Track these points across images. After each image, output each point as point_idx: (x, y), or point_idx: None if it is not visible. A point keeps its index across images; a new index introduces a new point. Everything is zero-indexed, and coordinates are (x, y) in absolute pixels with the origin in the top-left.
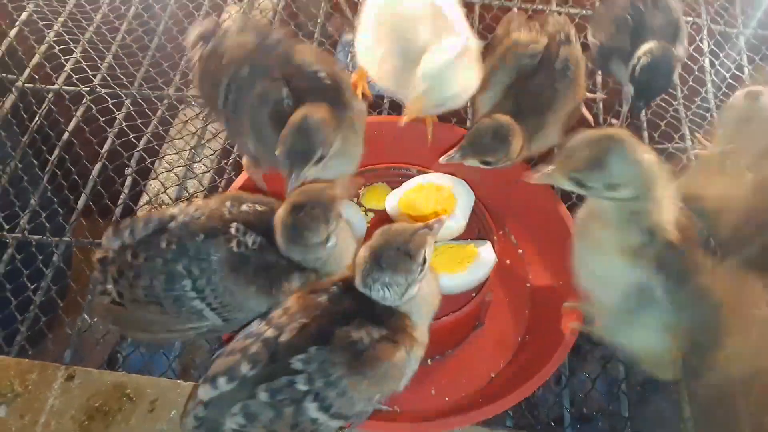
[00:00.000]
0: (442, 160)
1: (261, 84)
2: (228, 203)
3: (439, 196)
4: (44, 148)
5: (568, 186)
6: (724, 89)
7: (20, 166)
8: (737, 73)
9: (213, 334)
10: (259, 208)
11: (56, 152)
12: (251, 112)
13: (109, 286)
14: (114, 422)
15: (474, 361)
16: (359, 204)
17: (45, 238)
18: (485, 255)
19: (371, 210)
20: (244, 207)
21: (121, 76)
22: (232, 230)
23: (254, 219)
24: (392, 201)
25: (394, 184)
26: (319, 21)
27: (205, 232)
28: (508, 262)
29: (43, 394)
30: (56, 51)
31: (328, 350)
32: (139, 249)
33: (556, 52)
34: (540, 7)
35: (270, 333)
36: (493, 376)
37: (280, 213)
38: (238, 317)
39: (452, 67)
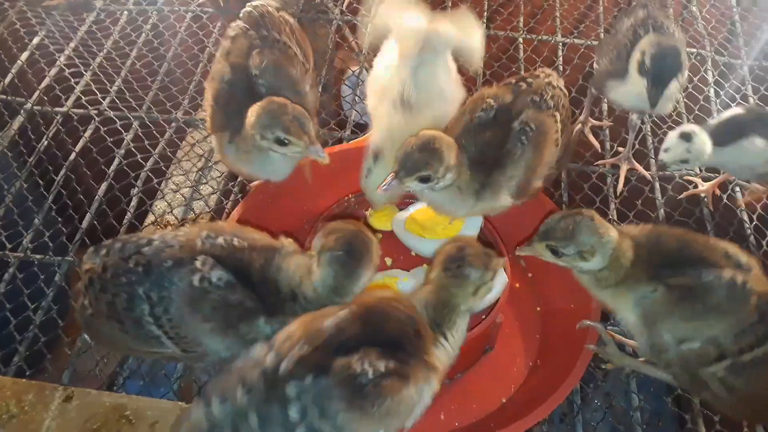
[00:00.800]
0: (380, 190)
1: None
2: (204, 234)
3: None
4: (51, 168)
5: (548, 256)
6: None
7: (25, 186)
8: (742, 102)
9: (178, 362)
10: (236, 243)
11: (62, 172)
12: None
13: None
14: None
15: (484, 386)
16: (366, 224)
17: (47, 257)
18: (498, 275)
19: (378, 231)
20: (220, 240)
21: (130, 100)
22: (198, 263)
23: (227, 255)
24: (399, 222)
25: (401, 206)
26: (328, 54)
27: (174, 260)
28: (517, 285)
29: (40, 416)
30: (66, 74)
31: (325, 381)
32: (109, 265)
33: (519, 112)
34: (545, 37)
35: (270, 361)
36: (504, 401)
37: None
38: (197, 351)
39: None
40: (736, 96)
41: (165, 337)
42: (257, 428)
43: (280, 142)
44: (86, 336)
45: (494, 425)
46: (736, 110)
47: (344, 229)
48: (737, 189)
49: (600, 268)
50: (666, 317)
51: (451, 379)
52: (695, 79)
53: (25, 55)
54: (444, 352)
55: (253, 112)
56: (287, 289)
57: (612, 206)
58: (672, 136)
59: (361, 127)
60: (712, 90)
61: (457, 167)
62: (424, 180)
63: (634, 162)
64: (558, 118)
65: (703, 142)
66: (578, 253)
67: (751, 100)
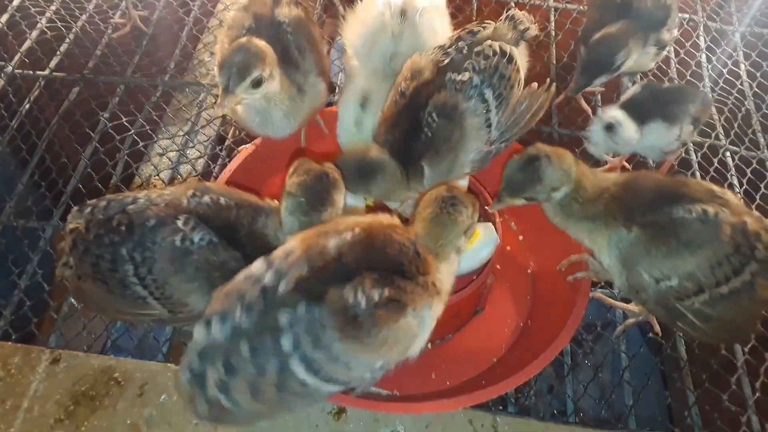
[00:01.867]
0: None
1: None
2: (190, 192)
3: None
4: (33, 132)
5: (521, 203)
6: (721, 84)
7: (8, 150)
8: (734, 68)
9: (165, 324)
10: (223, 202)
11: (46, 136)
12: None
13: (70, 259)
14: (101, 407)
15: (475, 346)
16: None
17: (32, 222)
18: (488, 235)
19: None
20: (206, 198)
21: (114, 63)
22: (180, 223)
23: (212, 214)
24: None
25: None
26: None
27: (157, 219)
28: (508, 248)
29: (26, 379)
30: (48, 36)
31: (318, 310)
32: (93, 225)
33: (428, 97)
34: (537, 2)
35: (269, 279)
36: (495, 360)
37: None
38: (183, 311)
39: None
40: (728, 62)
41: (151, 297)
42: (249, 357)
43: (255, 84)
44: (74, 300)
45: (485, 383)
46: (635, 89)
47: (308, 170)
48: None
49: (567, 193)
50: (643, 258)
51: (442, 339)
52: (687, 44)
53: (5, 18)
54: (444, 276)
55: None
56: (275, 246)
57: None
58: (596, 130)
59: None
60: (704, 56)
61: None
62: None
63: (582, 101)
64: (489, 95)
65: (628, 129)
66: (549, 191)
67: (742, 66)
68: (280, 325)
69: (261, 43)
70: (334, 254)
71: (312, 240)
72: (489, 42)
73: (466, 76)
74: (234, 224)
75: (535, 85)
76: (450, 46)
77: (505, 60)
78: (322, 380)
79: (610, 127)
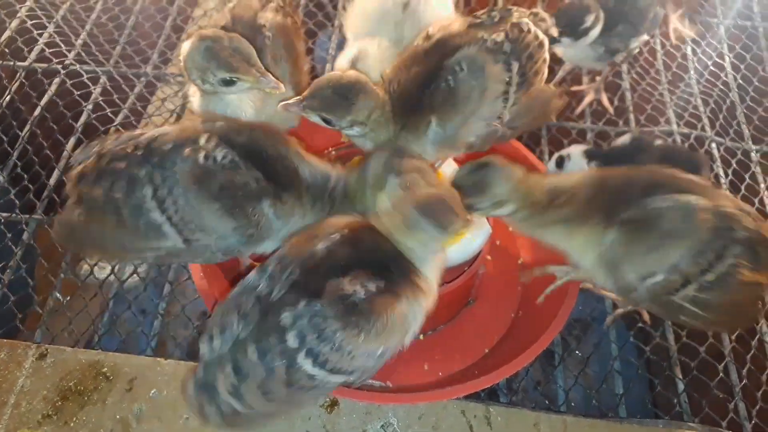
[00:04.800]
0: (280, 106)
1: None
2: (200, 121)
3: None
4: (15, 123)
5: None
6: (706, 75)
7: None
8: (718, 60)
9: (172, 260)
10: (235, 125)
11: (27, 128)
12: None
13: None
14: (89, 402)
15: (467, 337)
16: None
17: (14, 215)
18: (480, 225)
19: None
20: (218, 123)
21: (97, 53)
22: (202, 141)
23: (232, 133)
24: None
25: None
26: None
27: (174, 143)
28: (498, 242)
29: (13, 374)
30: (28, 26)
31: (319, 304)
32: (105, 152)
33: (457, 48)
34: None
35: (263, 287)
36: (486, 351)
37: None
38: (200, 239)
39: None
40: (713, 54)
41: (168, 224)
42: (257, 360)
43: (227, 83)
44: (60, 242)
45: (478, 373)
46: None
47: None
48: None
49: (514, 210)
50: (625, 256)
51: (434, 330)
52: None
53: None
54: (430, 273)
55: (185, 54)
56: (311, 177)
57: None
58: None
59: None
60: (689, 48)
61: (368, 120)
62: (327, 122)
63: (603, 96)
64: (514, 67)
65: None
66: (492, 204)
67: (727, 59)
68: (283, 324)
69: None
70: (325, 254)
71: (302, 245)
72: (525, 19)
73: (500, 36)
74: (254, 143)
75: (552, 86)
76: (482, 14)
77: (536, 43)
78: (329, 372)
79: (558, 160)
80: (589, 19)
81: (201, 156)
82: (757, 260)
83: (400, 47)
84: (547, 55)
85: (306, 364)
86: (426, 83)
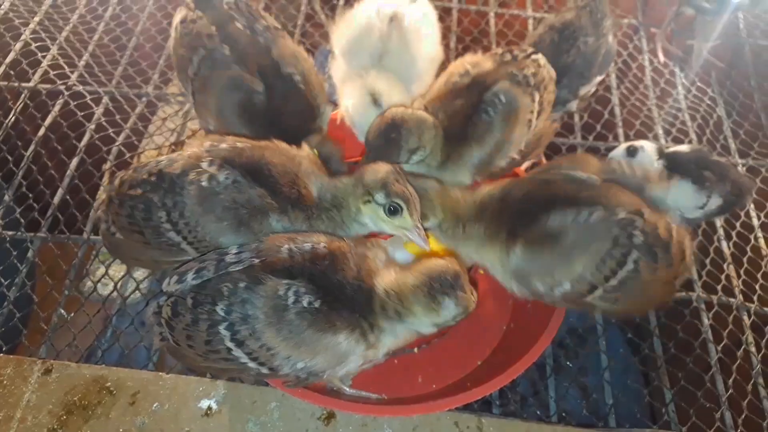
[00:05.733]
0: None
1: (236, 70)
2: (207, 143)
3: None
4: (19, 144)
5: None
6: (694, 91)
7: None
8: (705, 76)
9: None
10: (239, 144)
11: (32, 148)
12: (220, 93)
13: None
14: (93, 416)
15: (461, 349)
16: None
17: (19, 233)
18: None
19: None
20: (223, 145)
21: (99, 74)
22: (204, 165)
23: (234, 155)
24: None
25: None
26: (298, 24)
27: (182, 167)
28: None
29: (19, 389)
30: (33, 48)
31: (254, 291)
32: (125, 180)
33: (493, 82)
34: (516, 12)
35: (229, 258)
36: (479, 363)
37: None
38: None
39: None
40: (700, 70)
41: (185, 242)
42: (190, 306)
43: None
44: (111, 254)
45: (470, 385)
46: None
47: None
48: None
49: (439, 223)
50: (533, 270)
51: (428, 343)
52: (630, 47)
53: None
54: (386, 338)
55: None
56: (322, 193)
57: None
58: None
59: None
60: (677, 65)
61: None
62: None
63: None
64: (536, 98)
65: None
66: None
67: (713, 74)
68: (221, 292)
69: None
70: (286, 255)
71: (278, 240)
72: (539, 55)
73: (528, 71)
74: (258, 160)
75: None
76: (504, 53)
77: (549, 77)
78: (246, 354)
79: (631, 150)
80: None
81: (205, 178)
82: (656, 260)
83: (385, 61)
84: (554, 88)
85: (225, 335)
86: (469, 115)
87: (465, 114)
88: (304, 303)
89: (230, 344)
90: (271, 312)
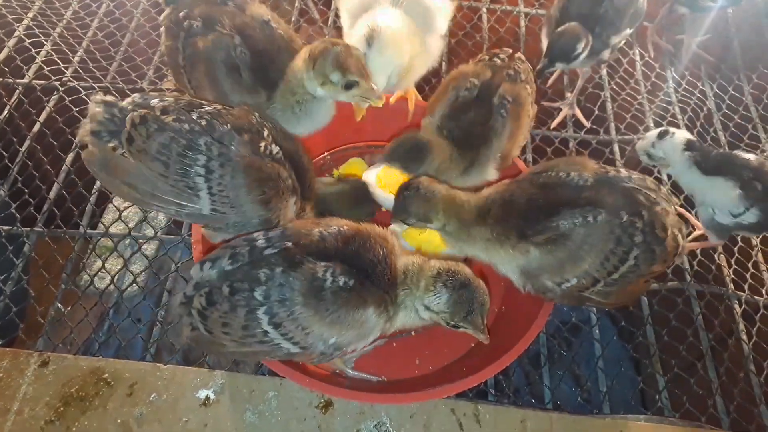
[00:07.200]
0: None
1: (212, 34)
2: (256, 114)
3: None
4: (15, 139)
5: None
6: (684, 85)
7: None
8: (695, 70)
9: (192, 220)
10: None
11: (27, 143)
12: (206, 61)
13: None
14: (91, 407)
15: (454, 332)
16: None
17: (15, 228)
18: None
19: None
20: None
21: (94, 70)
22: (265, 133)
23: (279, 136)
24: (370, 176)
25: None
26: (292, 20)
27: (233, 125)
28: None
29: (16, 382)
30: (27, 44)
31: (292, 275)
32: (170, 109)
33: (497, 87)
34: (508, 7)
35: (260, 243)
36: (472, 345)
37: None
38: (226, 213)
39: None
40: (690, 65)
41: (206, 191)
42: (227, 294)
43: (349, 86)
44: (96, 172)
45: (466, 369)
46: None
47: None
48: None
49: (443, 225)
50: (542, 269)
51: (424, 327)
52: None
53: None
54: (404, 314)
55: (312, 56)
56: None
57: None
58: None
59: None
60: (667, 59)
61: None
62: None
63: (576, 109)
64: (529, 90)
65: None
66: (418, 220)
67: (703, 68)
68: (258, 278)
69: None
70: (317, 238)
71: (306, 224)
72: (519, 53)
73: (518, 66)
74: (289, 148)
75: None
76: (491, 57)
77: (529, 69)
78: (282, 336)
79: (662, 133)
80: (580, 47)
81: (262, 145)
82: (654, 257)
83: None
84: (533, 77)
85: (264, 319)
86: (484, 122)
87: (480, 122)
88: (340, 283)
89: (268, 327)
90: (308, 293)
